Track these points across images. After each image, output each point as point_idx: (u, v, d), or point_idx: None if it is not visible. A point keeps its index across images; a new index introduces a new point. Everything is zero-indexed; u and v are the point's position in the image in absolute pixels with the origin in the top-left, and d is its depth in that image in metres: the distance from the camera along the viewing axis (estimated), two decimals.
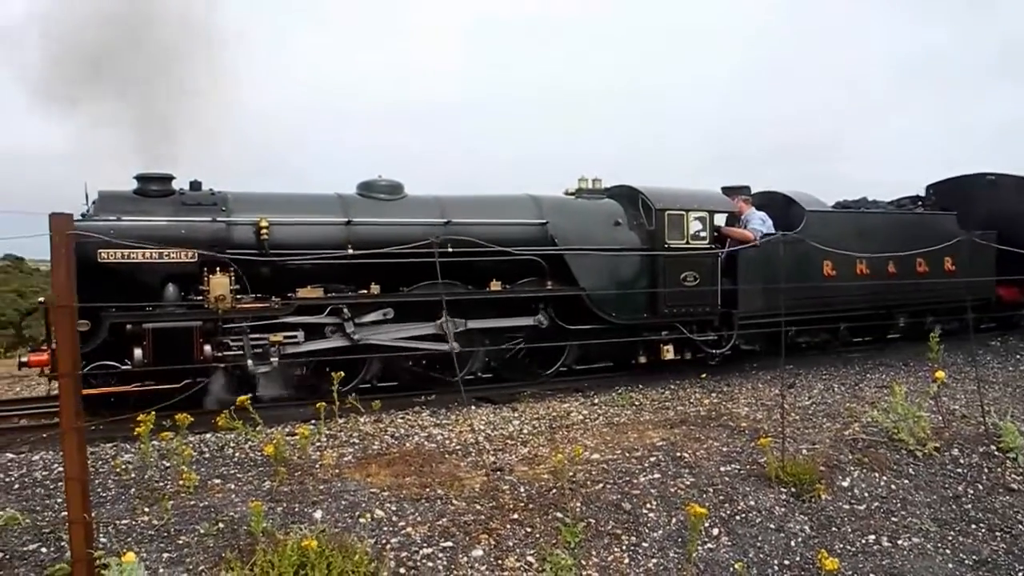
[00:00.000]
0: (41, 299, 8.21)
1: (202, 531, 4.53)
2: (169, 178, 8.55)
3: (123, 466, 5.73)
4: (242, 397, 6.06)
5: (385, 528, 4.72)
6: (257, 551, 4.14)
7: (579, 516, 5.07)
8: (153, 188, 8.43)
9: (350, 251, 8.51)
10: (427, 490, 5.29)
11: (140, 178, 8.45)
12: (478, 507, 5.08)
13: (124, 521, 4.64)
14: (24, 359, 7.84)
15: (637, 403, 8.57)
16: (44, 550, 4.27)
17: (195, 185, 8.74)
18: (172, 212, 8.31)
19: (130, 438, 6.30)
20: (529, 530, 4.89)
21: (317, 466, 5.75)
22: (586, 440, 6.73)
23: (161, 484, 5.35)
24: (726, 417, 7.63)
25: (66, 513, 4.63)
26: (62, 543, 4.29)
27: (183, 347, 7.82)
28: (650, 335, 10.23)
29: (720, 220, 10.67)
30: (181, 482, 5.23)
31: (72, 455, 3.65)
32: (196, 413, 6.50)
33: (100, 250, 7.66)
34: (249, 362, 7.99)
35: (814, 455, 6.31)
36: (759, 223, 10.90)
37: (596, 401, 8.63)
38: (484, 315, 9.45)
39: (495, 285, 9.36)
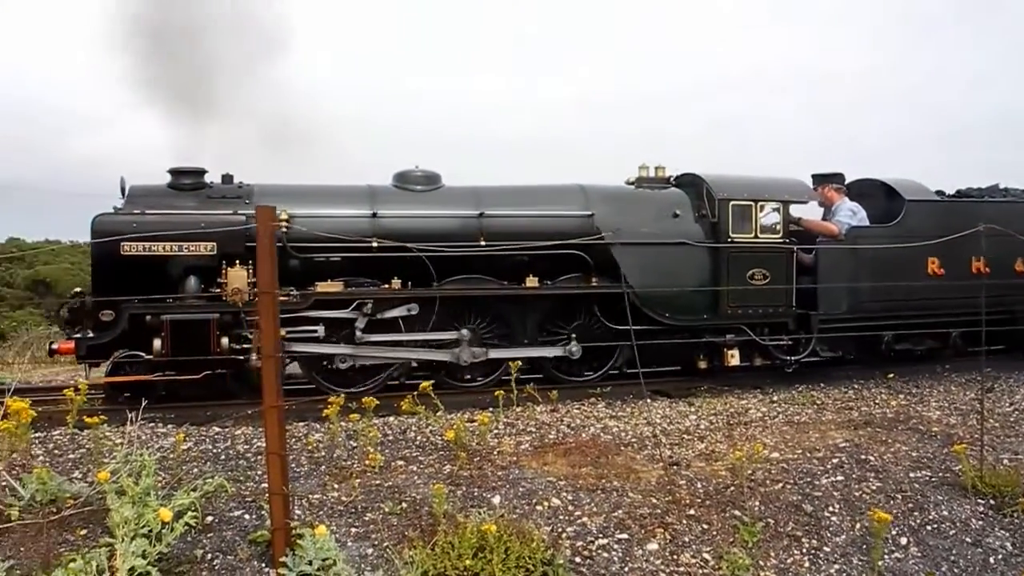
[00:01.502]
0: (78, 289, 8.57)
1: (387, 509, 4.74)
2: (201, 172, 8.73)
3: (314, 444, 6.06)
4: (425, 383, 6.26)
5: (561, 516, 4.79)
6: (438, 532, 4.29)
7: (757, 515, 4.97)
8: (185, 182, 8.64)
9: (374, 244, 8.31)
10: (603, 481, 5.32)
11: (172, 172, 8.67)
12: (654, 500, 5.07)
13: (316, 496, 4.92)
14: (55, 346, 8.16)
15: (818, 402, 8.27)
16: (247, 517, 4.59)
17: (226, 178, 8.88)
18: (196, 205, 8.48)
19: (320, 419, 6.68)
20: (706, 527, 4.84)
21: (495, 452, 5.89)
22: (765, 438, 6.57)
23: (349, 463, 5.62)
24: (915, 420, 7.26)
25: (266, 485, 4.97)
26: (262, 512, 4.59)
27: (200, 339, 7.94)
28: (713, 338, 9.37)
29: (803, 212, 9.85)
30: (367, 462, 5.49)
31: (273, 431, 3.89)
32: (381, 397, 6.76)
33: (123, 243, 7.89)
34: (253, 356, 7.96)
35: (1017, 466, 5.92)
36: (847, 215, 9.86)
37: (775, 399, 8.40)
38: (518, 322, 9.02)
39: (531, 282, 8.82)
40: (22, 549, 4.10)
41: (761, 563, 4.59)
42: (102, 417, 5.34)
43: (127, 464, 4.57)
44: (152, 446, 5.79)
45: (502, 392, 6.81)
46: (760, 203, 9.29)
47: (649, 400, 7.97)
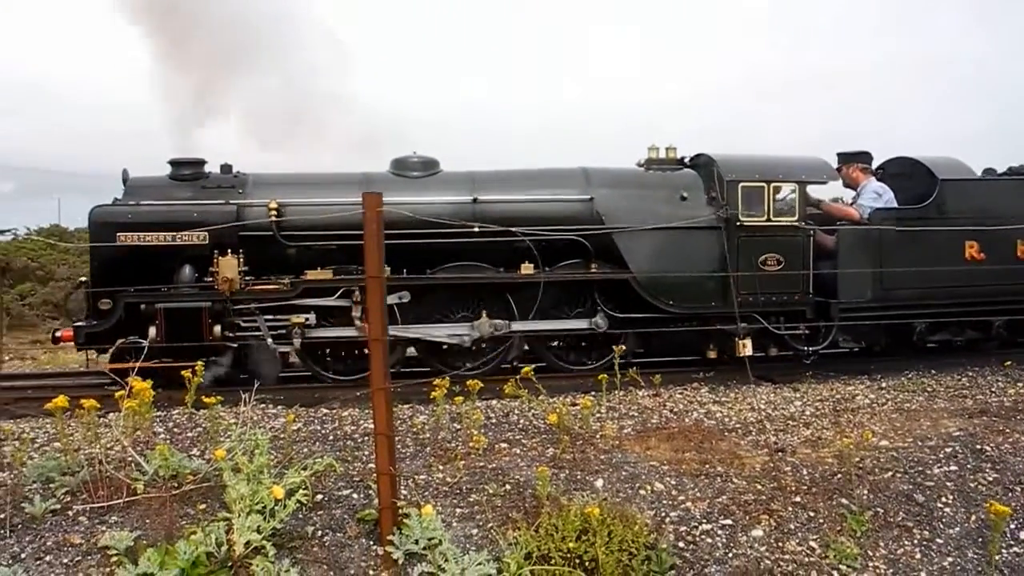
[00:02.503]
0: (83, 278, 8.79)
1: (491, 491, 4.80)
2: (200, 162, 8.87)
3: (420, 426, 6.18)
4: (526, 368, 6.31)
5: (664, 501, 4.77)
6: (542, 514, 4.34)
7: (866, 504, 4.86)
8: (184, 172, 8.78)
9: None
10: (707, 466, 5.27)
11: (172, 163, 8.83)
12: (759, 487, 5.00)
13: (422, 476, 5.02)
14: (59, 333, 8.46)
15: (929, 389, 7.99)
16: (355, 496, 4.72)
17: (225, 169, 8.97)
18: (191, 196, 8.60)
19: (424, 401, 6.81)
20: (812, 514, 4.76)
21: (598, 436, 5.90)
22: (873, 425, 6.40)
23: (453, 445, 5.71)
24: None
25: (372, 465, 5.10)
26: (369, 491, 4.71)
27: (193, 327, 8.13)
28: (723, 327, 8.90)
29: (824, 193, 9.40)
30: (471, 444, 5.56)
31: (381, 413, 3.99)
32: (486, 380, 6.83)
33: (118, 233, 8.17)
34: (269, 340, 8.27)
35: None
36: (871, 197, 9.33)
37: (884, 385, 8.14)
38: (518, 310, 8.81)
39: (526, 269, 8.64)
40: (147, 521, 4.31)
41: (870, 553, 4.49)
42: (218, 398, 5.55)
43: (241, 443, 4.75)
44: (264, 426, 6.01)
45: (606, 376, 6.80)
46: (773, 184, 8.85)
47: (752, 385, 7.86)
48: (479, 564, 3.99)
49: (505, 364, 8.95)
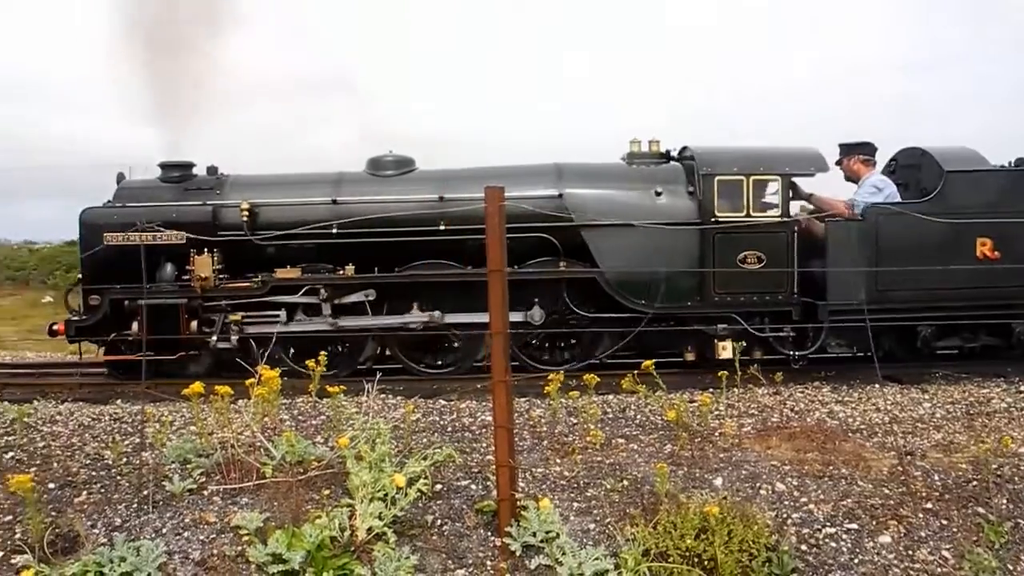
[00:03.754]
0: (80, 275, 9.19)
1: (608, 486, 4.78)
2: (188, 165, 9.31)
3: (536, 419, 6.20)
4: (647, 362, 6.23)
5: (786, 502, 4.66)
6: (660, 511, 4.29)
7: (1005, 515, 4.62)
8: (173, 175, 9.24)
9: (334, 231, 8.55)
10: (830, 468, 5.12)
11: (162, 165, 9.31)
12: (886, 491, 4.82)
13: (539, 469, 5.04)
14: (55, 327, 8.96)
15: None
16: (473, 487, 4.78)
17: (211, 170, 9.34)
18: (173, 197, 9.01)
19: (540, 395, 6.83)
20: (944, 523, 4.55)
21: (717, 434, 5.80)
22: (1012, 431, 6.07)
23: (570, 439, 5.71)
24: None
25: (490, 457, 5.15)
26: (488, 483, 4.76)
27: (171, 322, 8.58)
28: (701, 327, 8.55)
29: (813, 186, 8.78)
30: (588, 439, 5.55)
31: (501, 406, 4.02)
32: (602, 375, 6.81)
33: (105, 233, 8.66)
34: (213, 339, 8.58)
35: None
36: (868, 191, 8.64)
37: (1023, 388, 7.74)
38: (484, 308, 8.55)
39: None
40: (275, 503, 4.47)
41: (1010, 567, 4.27)
42: (342, 387, 5.69)
43: (364, 432, 4.87)
44: (384, 416, 6.14)
45: (725, 373, 6.69)
46: (753, 178, 8.39)
47: (878, 386, 7.57)
48: (596, 559, 3.98)
49: (477, 363, 9.01)
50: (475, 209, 8.29)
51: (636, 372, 6.26)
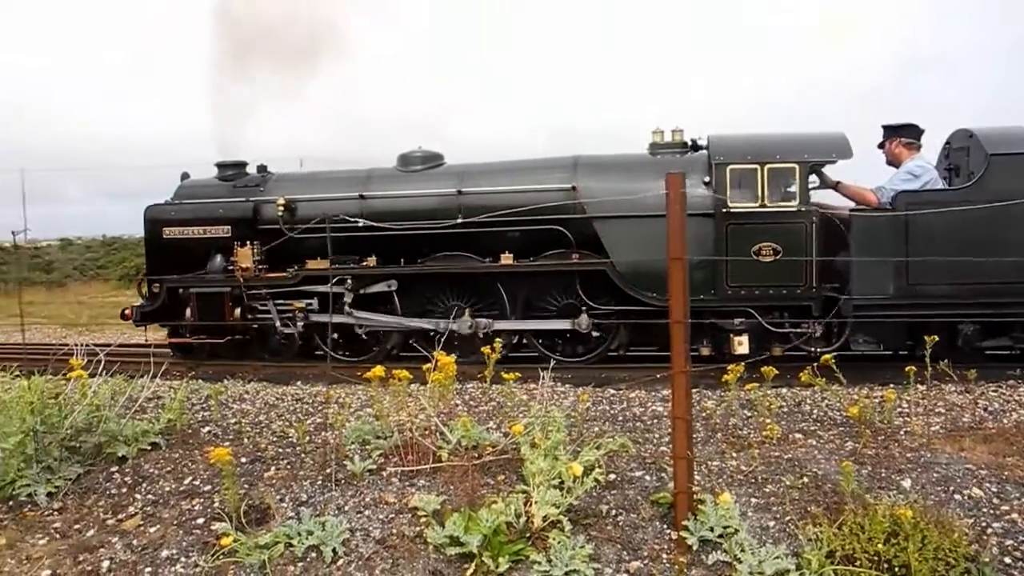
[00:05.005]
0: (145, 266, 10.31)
1: (787, 483, 4.62)
2: (241, 164, 10.30)
3: (709, 411, 6.07)
4: (826, 355, 6.00)
5: (984, 510, 4.36)
6: (845, 511, 4.11)
7: None
8: (228, 173, 10.23)
9: (361, 224, 9.05)
10: None
11: (218, 165, 10.34)
12: None
13: (715, 463, 4.92)
14: (125, 312, 10.15)
15: None
16: (647, 478, 4.71)
17: (261, 169, 10.27)
18: (223, 194, 9.95)
19: (710, 386, 6.70)
20: None
21: (901, 433, 5.51)
22: None
23: (744, 432, 5.56)
24: None
25: (664, 448, 5.09)
26: (662, 474, 4.70)
27: (218, 309, 9.54)
28: (716, 321, 8.31)
29: (838, 174, 8.32)
30: (764, 433, 5.39)
31: (680, 396, 3.94)
32: (781, 367, 6.59)
33: (164, 228, 9.81)
34: (277, 323, 9.40)
35: None
36: (901, 178, 8.03)
37: None
38: (504, 299, 9.05)
39: (506, 258, 8.72)
40: (451, 487, 4.55)
41: None
42: (516, 374, 5.74)
43: (538, 419, 4.89)
44: (556, 404, 6.16)
45: (913, 369, 6.36)
46: (768, 166, 8.01)
47: None
48: (776, 558, 3.84)
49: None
50: (492, 201, 8.70)
51: (815, 365, 6.03)
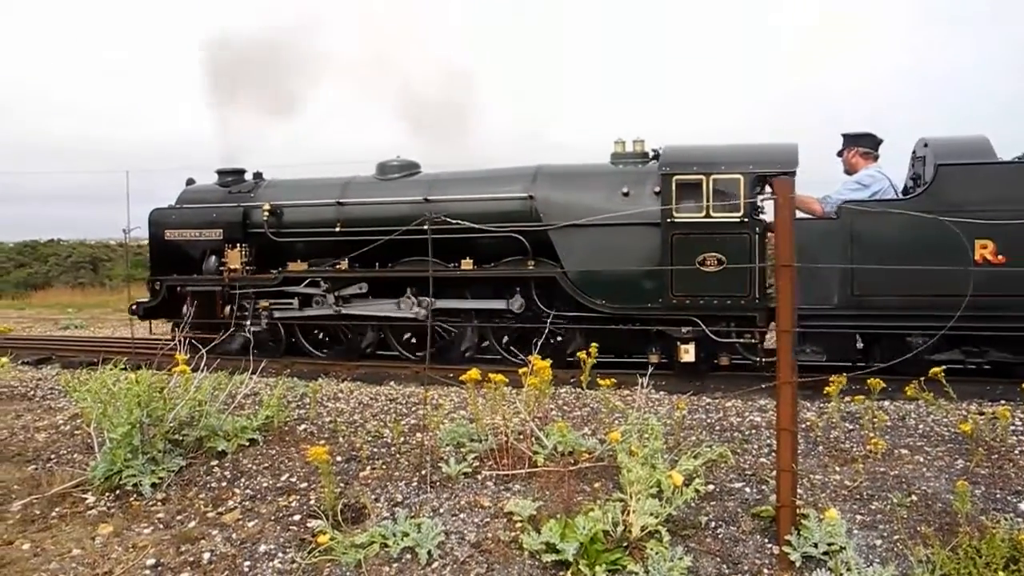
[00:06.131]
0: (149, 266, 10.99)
1: (895, 500, 4.45)
2: (239, 171, 11.02)
3: (809, 423, 5.90)
4: (935, 368, 5.76)
5: None
6: (959, 533, 3.93)
7: None
8: (227, 180, 10.95)
9: (337, 229, 9.67)
10: None
11: (218, 172, 11.06)
12: None
13: (817, 476, 4.78)
14: (133, 306, 10.79)
15: None
16: (747, 490, 4.60)
17: (256, 175, 10.90)
18: (218, 200, 10.68)
19: (806, 396, 6.52)
20: None
21: (1016, 452, 5.26)
22: None
23: (847, 446, 5.39)
24: None
25: (763, 459, 4.96)
26: (762, 486, 4.58)
27: (210, 306, 10.45)
28: (664, 329, 8.38)
29: (803, 184, 8.19)
30: (868, 447, 5.21)
31: (786, 408, 3.83)
32: (887, 380, 6.36)
33: (165, 230, 10.61)
34: (247, 322, 10.13)
35: None
36: (849, 188, 8.01)
37: None
38: (461, 295, 9.50)
39: (466, 264, 9.10)
40: (547, 492, 4.52)
41: None
42: (612, 381, 5.67)
43: (635, 427, 4.82)
44: (652, 411, 6.07)
45: None
46: (713, 176, 8.04)
47: None
48: None
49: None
50: (454, 209, 8.84)
51: (922, 379, 5.80)
